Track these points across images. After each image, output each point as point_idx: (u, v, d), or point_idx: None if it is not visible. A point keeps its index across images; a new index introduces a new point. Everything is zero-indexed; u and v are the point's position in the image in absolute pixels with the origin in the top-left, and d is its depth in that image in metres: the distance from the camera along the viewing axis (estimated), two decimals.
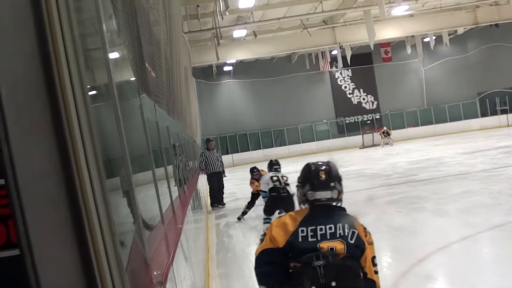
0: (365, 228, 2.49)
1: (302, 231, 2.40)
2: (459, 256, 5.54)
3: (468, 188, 9.98)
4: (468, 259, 5.37)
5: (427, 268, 5.19)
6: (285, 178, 7.63)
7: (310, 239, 2.37)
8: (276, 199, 7.47)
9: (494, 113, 34.34)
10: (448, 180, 11.61)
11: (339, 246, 2.36)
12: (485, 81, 34.22)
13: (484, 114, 34.40)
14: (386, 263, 5.44)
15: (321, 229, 2.39)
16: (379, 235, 5.17)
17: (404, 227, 7.31)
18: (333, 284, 2.26)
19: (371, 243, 2.47)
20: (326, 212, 2.47)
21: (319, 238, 2.37)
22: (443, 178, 11.90)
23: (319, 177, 2.49)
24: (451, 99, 33.98)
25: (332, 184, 2.49)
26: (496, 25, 26.78)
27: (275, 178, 7.65)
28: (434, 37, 27.06)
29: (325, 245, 2.35)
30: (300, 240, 2.38)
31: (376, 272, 2.46)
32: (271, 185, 7.55)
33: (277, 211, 7.36)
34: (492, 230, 6.29)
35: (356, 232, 2.41)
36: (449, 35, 28.02)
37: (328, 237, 2.37)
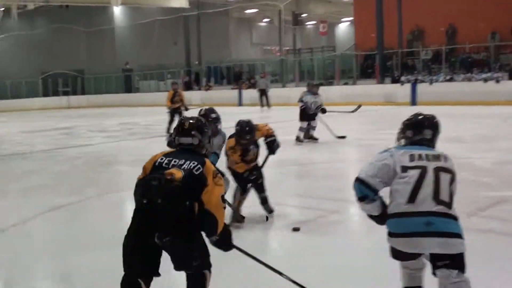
0: (215, 172, 2.98)
1: (162, 159, 3.04)
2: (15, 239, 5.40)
3: (28, 168, 9.87)
4: (27, 241, 5.30)
5: None
6: None
7: (163, 165, 2.98)
8: None
9: (56, 93, 34.96)
10: (11, 159, 11.28)
11: (178, 174, 2.86)
12: (50, 61, 34.43)
13: (46, 94, 34.64)
14: None
15: (174, 161, 2.98)
16: None
17: None
18: (159, 201, 2.78)
19: (219, 184, 2.94)
20: (185, 152, 3.06)
21: (169, 166, 2.96)
22: (5, 157, 11.51)
23: (183, 126, 3.16)
24: (15, 75, 32.98)
25: (192, 132, 3.12)
26: (67, 6, 27.09)
27: None
28: (3, 9, 25.75)
29: (169, 171, 2.88)
30: (157, 164, 3.01)
31: (223, 208, 2.97)
32: None
33: None
34: (53, 211, 6.36)
35: (201, 169, 2.92)
36: (18, 8, 27.08)
37: (175, 166, 2.93)
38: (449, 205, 2.85)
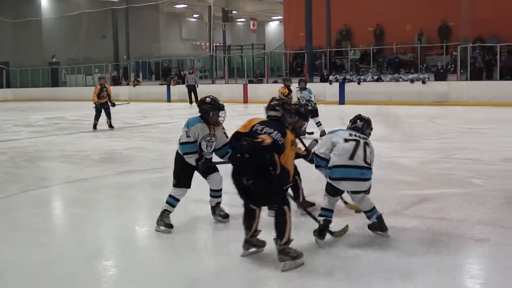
0: (293, 141, 4.10)
1: (257, 126, 4.11)
2: None
3: None
4: None
5: None
6: None
7: (258, 131, 4.04)
8: None
9: None
10: None
11: (267, 140, 3.89)
12: None
13: None
14: None
15: (266, 129, 4.04)
16: None
17: None
18: (246, 155, 3.86)
19: (294, 150, 4.13)
20: (274, 122, 4.17)
21: (262, 132, 4.02)
22: None
23: (271, 103, 4.43)
24: None
25: (277, 108, 4.26)
26: None
27: None
28: None
29: (261, 136, 3.92)
30: (254, 129, 4.09)
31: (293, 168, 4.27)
32: None
33: None
34: None
35: (283, 140, 3.98)
36: None
37: (266, 133, 3.98)
38: (370, 164, 4.59)
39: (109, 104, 13.96)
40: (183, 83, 25.58)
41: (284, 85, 12.37)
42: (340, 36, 27.16)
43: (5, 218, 5.82)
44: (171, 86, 27.77)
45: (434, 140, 11.04)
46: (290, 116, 4.31)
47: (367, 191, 4.61)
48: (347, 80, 22.51)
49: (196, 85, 24.10)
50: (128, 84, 30.66)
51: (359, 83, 22.19)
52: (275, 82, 26.08)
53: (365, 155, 4.53)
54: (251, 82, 26.61)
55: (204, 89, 24.58)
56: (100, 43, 35.20)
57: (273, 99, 4.61)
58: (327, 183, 4.62)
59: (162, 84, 28.81)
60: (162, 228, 4.92)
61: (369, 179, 4.58)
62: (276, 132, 3.99)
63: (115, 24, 33.62)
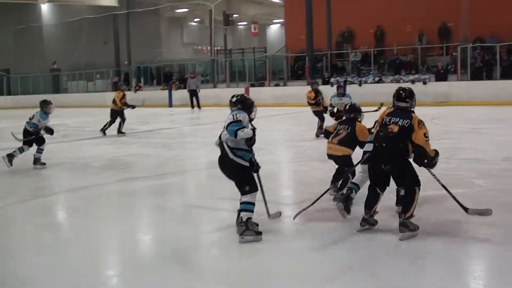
0: (419, 120, 4.71)
1: (385, 118, 4.81)
2: None
3: None
4: None
5: None
6: None
7: (387, 123, 4.76)
8: None
9: None
10: None
11: (395, 129, 4.67)
12: None
13: None
14: None
15: (393, 119, 4.75)
16: None
17: None
18: (383, 144, 4.72)
19: (422, 128, 4.67)
20: (400, 112, 4.80)
21: (390, 122, 4.75)
22: None
23: (400, 94, 4.92)
24: None
25: (407, 100, 4.85)
26: None
27: None
28: None
29: (390, 126, 4.70)
30: (383, 122, 4.80)
31: (427, 141, 4.66)
32: None
33: None
34: None
35: (410, 122, 4.67)
36: None
37: (393, 123, 4.73)
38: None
39: (129, 107, 14.08)
40: (185, 87, 25.64)
41: (311, 89, 12.18)
42: (341, 39, 27.17)
43: (5, 228, 5.82)
44: (172, 91, 27.79)
45: (435, 140, 10.89)
46: (415, 103, 4.95)
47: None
48: (348, 82, 22.50)
49: (197, 90, 24.12)
50: (129, 90, 30.68)
51: (360, 85, 22.19)
52: (277, 85, 26.13)
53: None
54: (252, 85, 26.61)
55: (206, 93, 24.68)
56: (101, 49, 35.27)
57: (402, 89, 5.00)
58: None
59: (164, 89, 28.82)
60: (251, 238, 4.69)
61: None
62: (402, 119, 4.71)
63: (116, 29, 33.68)
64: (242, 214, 4.75)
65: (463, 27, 22.57)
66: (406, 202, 4.72)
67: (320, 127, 11.52)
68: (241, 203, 4.78)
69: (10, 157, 9.02)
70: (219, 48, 35.42)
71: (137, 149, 11.55)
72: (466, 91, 19.97)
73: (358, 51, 25.69)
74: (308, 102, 12.10)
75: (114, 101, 14.13)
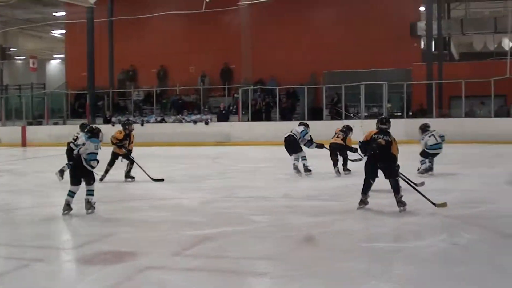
0: (394, 139, 7.12)
1: (375, 135, 7.16)
2: None
3: None
4: None
5: None
6: None
7: (376, 139, 7.12)
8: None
9: None
10: None
11: (382, 142, 7.04)
12: None
13: None
14: None
15: (381, 136, 7.12)
16: None
17: None
18: (377, 151, 7.07)
19: (395, 144, 7.10)
20: (382, 132, 7.18)
21: (378, 138, 7.11)
22: None
23: (381, 119, 7.42)
24: None
25: (387, 124, 7.28)
26: None
27: None
28: None
29: (379, 140, 7.08)
30: (372, 138, 7.16)
31: (397, 151, 7.14)
32: None
33: None
34: None
35: (391, 140, 7.08)
36: None
37: (381, 138, 7.10)
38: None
39: None
40: None
41: (122, 129, 10.81)
42: (123, 77, 26.79)
43: None
44: None
45: (216, 180, 11.11)
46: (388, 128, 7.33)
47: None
48: (130, 122, 22.01)
49: None
50: None
51: (142, 125, 21.85)
52: (55, 123, 24.72)
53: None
54: (30, 124, 24.80)
55: None
56: None
57: (382, 117, 7.78)
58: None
59: None
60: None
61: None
62: (387, 137, 7.07)
63: None
64: None
65: (245, 69, 23.80)
66: (395, 187, 7.00)
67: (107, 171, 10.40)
68: None
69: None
70: None
71: None
72: (247, 131, 20.90)
73: (141, 90, 25.54)
74: (111, 141, 10.80)
75: None
